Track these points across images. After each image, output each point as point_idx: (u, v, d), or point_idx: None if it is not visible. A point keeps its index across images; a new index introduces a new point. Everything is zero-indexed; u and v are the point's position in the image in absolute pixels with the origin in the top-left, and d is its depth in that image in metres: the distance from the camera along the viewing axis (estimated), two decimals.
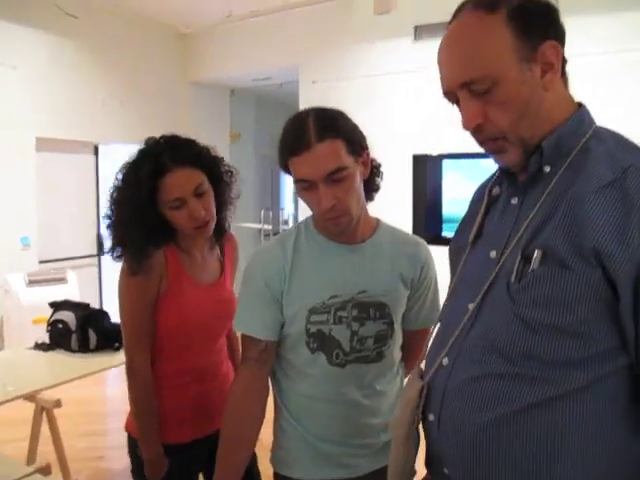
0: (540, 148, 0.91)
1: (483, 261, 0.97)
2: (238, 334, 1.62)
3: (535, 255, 0.86)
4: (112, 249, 1.56)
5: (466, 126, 0.93)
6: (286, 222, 7.45)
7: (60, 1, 4.97)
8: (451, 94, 0.95)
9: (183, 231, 1.56)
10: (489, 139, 0.93)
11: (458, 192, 3.85)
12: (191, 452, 1.62)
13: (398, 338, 1.40)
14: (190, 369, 1.60)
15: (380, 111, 4.74)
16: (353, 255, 1.33)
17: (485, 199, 1.05)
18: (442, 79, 0.95)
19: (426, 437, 1.00)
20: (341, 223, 1.26)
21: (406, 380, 1.09)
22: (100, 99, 5.68)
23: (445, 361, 0.96)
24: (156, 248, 1.53)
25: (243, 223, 6.42)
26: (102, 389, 4.56)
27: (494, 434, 0.88)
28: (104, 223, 1.59)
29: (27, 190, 5.20)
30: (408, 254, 1.38)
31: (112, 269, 5.47)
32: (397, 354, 1.42)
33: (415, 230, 3.75)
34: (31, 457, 2.51)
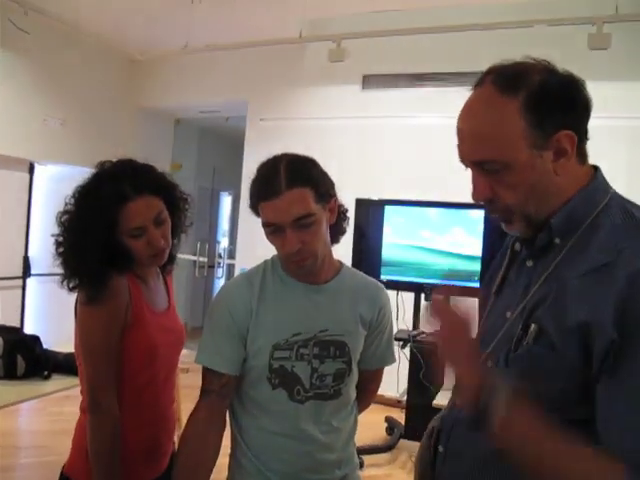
0: (549, 225, 0.96)
1: (500, 318, 1.02)
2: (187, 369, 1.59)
3: (532, 329, 0.92)
4: (66, 279, 1.47)
5: (475, 198, 0.98)
6: (220, 256, 7.40)
7: (13, 16, 4.85)
8: (465, 163, 0.99)
9: (139, 259, 1.51)
10: (495, 210, 0.99)
11: (398, 237, 3.98)
12: None
13: (354, 377, 1.44)
14: (150, 405, 1.52)
15: (326, 154, 4.77)
16: (316, 295, 1.38)
17: (508, 253, 1.10)
18: (459, 147, 0.99)
19: (437, 470, 1.09)
20: (305, 265, 1.31)
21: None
22: (41, 117, 5.53)
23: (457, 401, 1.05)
24: (117, 274, 1.46)
25: (179, 254, 6.33)
26: (15, 421, 4.31)
27: (492, 456, 0.95)
28: (55, 250, 1.49)
29: None
30: (368, 297, 1.45)
31: (39, 292, 5.24)
32: (352, 392, 1.46)
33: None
34: None
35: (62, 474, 1.52)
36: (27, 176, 5.69)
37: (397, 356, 1.57)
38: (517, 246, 1.07)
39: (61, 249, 1.48)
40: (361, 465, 3.60)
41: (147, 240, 1.47)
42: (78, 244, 1.45)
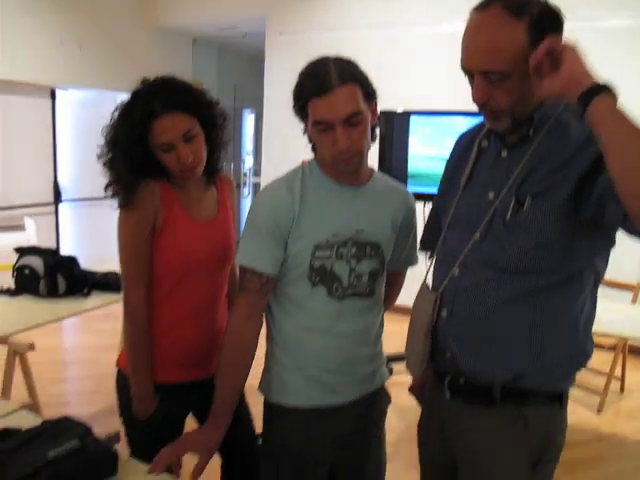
0: (531, 120, 1.20)
1: (480, 201, 1.27)
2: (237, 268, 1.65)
3: (527, 200, 1.19)
4: (107, 188, 1.58)
5: (475, 99, 1.18)
6: (246, 175, 7.40)
7: None
8: (468, 71, 1.18)
9: (172, 172, 1.58)
10: (488, 111, 1.20)
11: (424, 148, 3.92)
12: (183, 394, 1.64)
13: (385, 277, 1.52)
14: (188, 309, 1.62)
15: None
16: (354, 197, 1.43)
17: (474, 150, 1.33)
18: (464, 58, 1.17)
19: (437, 332, 1.32)
20: (352, 163, 1.36)
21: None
22: (58, 40, 5.45)
23: (456, 271, 1.29)
24: (145, 180, 1.54)
25: None
26: (57, 338, 4.54)
27: (491, 316, 1.23)
28: (99, 163, 1.59)
29: None
30: (398, 200, 1.51)
31: (71, 217, 5.36)
32: (383, 292, 1.53)
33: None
34: (5, 399, 2.50)
35: (117, 368, 1.68)
36: (49, 102, 5.69)
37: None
38: (484, 143, 1.33)
39: (104, 159, 1.59)
40: (390, 372, 3.78)
41: (177, 156, 1.53)
42: (111, 156, 1.56)
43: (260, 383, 1.50)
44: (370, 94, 1.35)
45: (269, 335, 1.49)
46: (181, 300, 1.61)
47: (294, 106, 1.36)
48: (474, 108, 1.25)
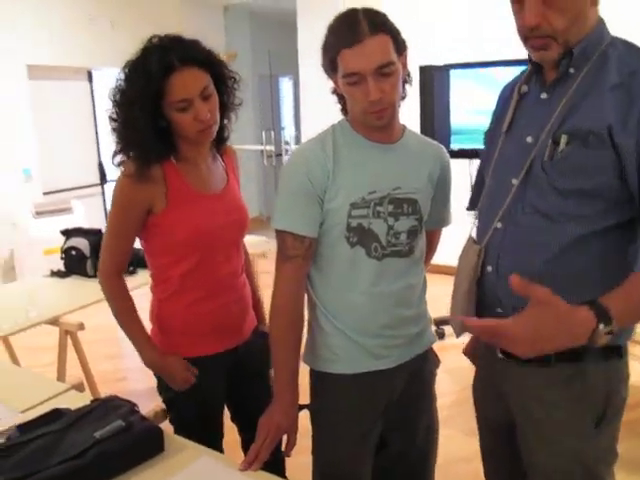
0: (570, 53, 1.13)
1: (520, 145, 1.22)
2: (252, 245, 1.61)
3: (562, 139, 1.13)
4: (118, 154, 1.52)
5: (527, 22, 1.11)
6: (287, 143, 7.32)
7: None
8: None
9: (186, 134, 1.51)
10: (539, 37, 1.12)
11: (466, 102, 3.75)
12: (217, 365, 1.63)
13: (424, 235, 1.47)
14: (210, 281, 1.59)
15: None
16: (387, 153, 1.39)
17: (515, 96, 1.28)
18: None
19: (482, 287, 1.27)
20: (384, 116, 1.31)
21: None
22: (90, 20, 5.46)
23: (499, 225, 1.24)
24: (158, 159, 1.49)
25: (244, 145, 6.33)
26: (111, 315, 4.64)
27: (542, 268, 1.17)
28: (110, 127, 1.53)
29: (23, 120, 5.10)
30: (433, 155, 1.47)
31: None
32: (423, 249, 1.48)
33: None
34: (60, 378, 2.57)
35: None
36: (87, 84, 5.74)
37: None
38: (524, 88, 1.27)
39: (114, 125, 1.52)
40: (442, 336, 3.73)
41: (194, 114, 1.47)
42: (129, 116, 1.47)
43: (304, 353, 1.47)
44: (400, 45, 1.30)
45: (310, 302, 1.45)
46: (203, 274, 1.58)
47: (323, 61, 1.32)
48: (517, 56, 1.19)
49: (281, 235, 1.36)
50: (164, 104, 1.46)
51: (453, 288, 1.35)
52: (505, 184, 1.23)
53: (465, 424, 2.62)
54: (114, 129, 1.52)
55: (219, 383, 1.67)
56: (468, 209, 1.49)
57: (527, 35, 1.14)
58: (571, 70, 1.15)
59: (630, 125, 1.06)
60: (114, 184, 1.53)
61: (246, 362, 1.69)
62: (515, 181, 1.20)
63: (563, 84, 1.16)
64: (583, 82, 1.13)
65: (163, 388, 1.63)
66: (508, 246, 1.22)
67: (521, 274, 1.14)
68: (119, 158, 1.53)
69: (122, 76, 1.49)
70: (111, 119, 1.52)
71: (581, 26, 1.12)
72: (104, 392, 2.89)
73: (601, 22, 1.16)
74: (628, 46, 1.15)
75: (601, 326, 0.99)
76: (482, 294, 1.27)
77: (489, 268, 1.25)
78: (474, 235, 1.34)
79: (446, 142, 3.67)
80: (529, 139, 1.20)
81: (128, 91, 1.47)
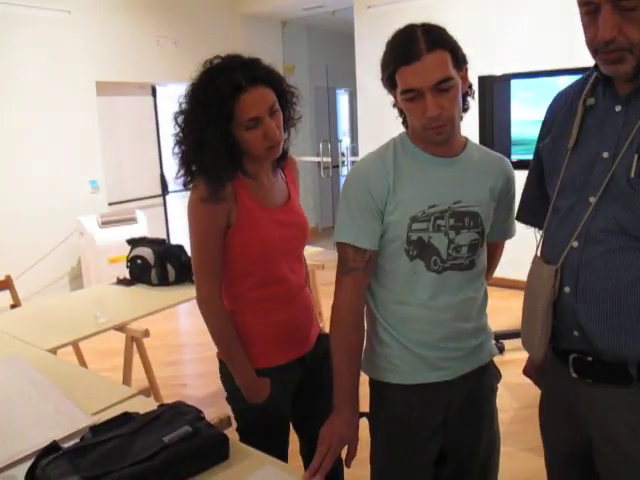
0: None
1: (594, 162, 1.17)
2: (311, 256, 1.63)
3: None
4: (185, 175, 1.55)
5: (601, 35, 1.06)
6: (344, 154, 7.36)
7: None
8: (592, 5, 1.07)
9: (255, 152, 1.53)
10: (613, 50, 1.08)
11: (528, 113, 3.69)
12: (286, 375, 1.65)
13: (485, 248, 1.45)
14: (277, 293, 1.62)
15: None
16: (448, 167, 1.38)
17: (580, 109, 1.23)
18: None
19: (560, 309, 1.22)
20: (443, 132, 1.31)
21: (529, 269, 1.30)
22: (154, 39, 5.67)
23: (575, 244, 1.18)
24: (230, 178, 1.51)
25: (302, 157, 6.40)
26: (174, 322, 4.78)
27: (629, 291, 1.12)
28: (174, 150, 1.55)
29: (91, 135, 5.33)
30: (496, 168, 1.45)
31: (177, 207, 5.61)
32: (484, 263, 1.47)
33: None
34: (126, 383, 2.66)
35: (219, 360, 1.68)
36: (151, 99, 5.95)
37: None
38: (590, 101, 1.21)
39: (182, 147, 1.55)
40: (502, 350, 3.65)
41: (263, 131, 1.49)
42: (201, 140, 1.48)
43: (363, 362, 1.47)
44: (460, 60, 1.30)
45: (369, 313, 1.46)
46: (269, 287, 1.60)
47: (382, 76, 1.33)
48: (576, 65, 1.16)
49: (342, 248, 1.38)
50: (233, 124, 1.48)
51: (524, 311, 1.32)
52: (579, 202, 1.19)
53: (525, 442, 2.56)
54: (182, 151, 1.54)
55: (289, 394, 1.69)
56: (517, 218, 1.48)
57: (599, 48, 1.10)
58: None
59: None
60: (188, 206, 1.53)
61: (313, 374, 1.71)
62: (593, 199, 1.16)
63: (638, 97, 1.12)
64: None
65: (234, 399, 1.64)
66: (588, 265, 1.17)
67: (605, 294, 1.15)
68: (185, 179, 1.55)
69: (187, 98, 1.51)
70: (178, 142, 1.54)
71: None
72: (166, 397, 2.99)
73: None
74: None
75: None
76: (557, 316, 1.23)
77: (567, 289, 1.20)
78: (540, 254, 1.30)
79: (506, 153, 3.62)
80: (605, 154, 1.16)
81: (198, 114, 1.48)
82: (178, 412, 1.36)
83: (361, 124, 5.96)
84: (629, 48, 1.07)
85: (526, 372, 1.52)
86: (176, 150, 1.56)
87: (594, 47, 1.11)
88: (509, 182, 1.47)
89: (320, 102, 7.78)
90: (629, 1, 1.02)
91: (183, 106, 1.53)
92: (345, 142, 8.02)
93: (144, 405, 1.49)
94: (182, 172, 1.56)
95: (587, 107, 1.23)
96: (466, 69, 1.33)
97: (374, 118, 5.47)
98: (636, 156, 1.10)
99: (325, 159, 7.01)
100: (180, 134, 1.54)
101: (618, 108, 1.16)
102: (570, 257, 1.20)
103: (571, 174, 1.23)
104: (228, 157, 1.49)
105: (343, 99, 8.77)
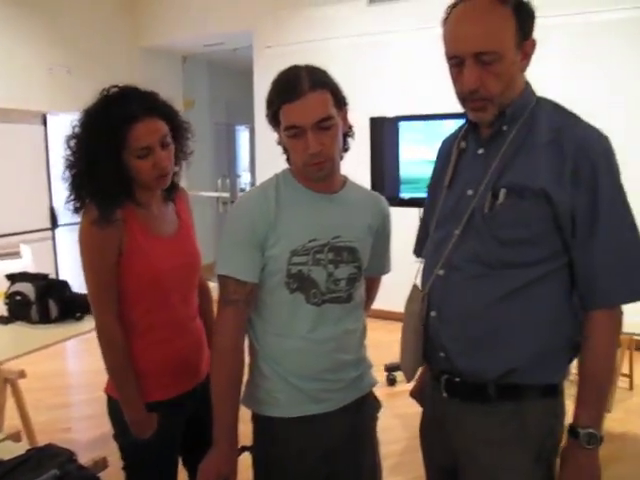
0: (503, 113, 1.24)
1: (460, 198, 1.31)
2: (210, 284, 1.62)
3: (501, 192, 1.22)
4: (74, 200, 1.53)
5: (466, 86, 1.20)
6: (242, 190, 7.37)
7: None
8: (456, 59, 1.21)
9: (145, 180, 1.54)
10: (477, 99, 1.22)
11: (416, 153, 3.89)
12: (175, 408, 1.62)
13: (363, 282, 1.51)
14: (166, 324, 1.60)
15: (336, 74, 4.70)
16: (328, 203, 1.43)
17: (455, 152, 1.37)
18: (454, 45, 1.21)
19: (427, 332, 1.32)
20: (324, 168, 1.36)
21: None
22: (47, 67, 5.48)
23: (441, 272, 1.30)
24: (120, 204, 1.51)
25: (201, 192, 6.34)
26: (61, 363, 4.49)
27: (483, 314, 1.24)
28: (65, 175, 1.54)
29: None
30: (373, 206, 1.52)
31: (67, 242, 5.34)
32: (362, 296, 1.52)
33: (375, 191, 3.73)
34: None
35: (107, 395, 1.64)
36: (41, 128, 5.69)
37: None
38: (462, 144, 1.36)
39: (73, 171, 1.53)
40: (393, 382, 3.74)
41: (153, 161, 1.52)
42: (93, 166, 1.49)
43: (244, 396, 1.47)
44: (340, 101, 1.36)
45: (250, 346, 1.47)
46: (158, 318, 1.59)
47: (267, 113, 1.37)
48: (460, 110, 1.28)
49: (224, 280, 1.39)
50: (125, 151, 1.50)
51: (402, 333, 1.39)
52: (448, 234, 1.30)
53: (415, 471, 2.62)
54: (72, 176, 1.53)
55: (178, 428, 1.66)
56: (414, 253, 1.56)
57: (466, 98, 1.24)
58: (504, 127, 1.26)
59: (563, 182, 1.17)
60: (79, 233, 1.51)
61: (205, 408, 1.66)
62: (457, 231, 1.28)
63: (497, 140, 1.26)
64: (515, 139, 1.24)
65: (123, 434, 1.59)
66: (449, 292, 1.29)
67: (463, 318, 1.26)
68: (74, 204, 1.53)
69: (80, 124, 1.52)
70: (68, 166, 1.53)
71: (512, 89, 1.23)
72: (44, 442, 2.79)
73: (528, 85, 1.29)
74: (554, 106, 1.29)
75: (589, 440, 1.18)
76: (427, 338, 1.33)
77: (433, 313, 1.31)
78: (418, 282, 1.40)
79: (396, 191, 3.78)
80: (469, 192, 1.29)
81: (90, 140, 1.50)
82: (48, 455, 1.29)
83: (259, 160, 6.01)
84: (490, 98, 1.21)
85: (412, 394, 1.59)
86: (66, 174, 1.54)
87: (462, 97, 1.25)
88: (385, 220, 1.55)
89: (220, 138, 7.79)
90: (488, 55, 1.17)
91: (76, 130, 1.53)
92: (245, 178, 8.05)
93: (13, 451, 1.39)
94: (72, 197, 1.54)
95: (460, 150, 1.37)
96: (346, 110, 1.40)
97: (271, 154, 5.44)
98: (489, 194, 1.24)
99: (224, 194, 6.98)
100: (71, 158, 1.53)
101: (480, 151, 1.31)
102: (436, 283, 1.31)
103: (445, 209, 1.35)
104: (119, 182, 1.50)
105: (244, 135, 8.83)
